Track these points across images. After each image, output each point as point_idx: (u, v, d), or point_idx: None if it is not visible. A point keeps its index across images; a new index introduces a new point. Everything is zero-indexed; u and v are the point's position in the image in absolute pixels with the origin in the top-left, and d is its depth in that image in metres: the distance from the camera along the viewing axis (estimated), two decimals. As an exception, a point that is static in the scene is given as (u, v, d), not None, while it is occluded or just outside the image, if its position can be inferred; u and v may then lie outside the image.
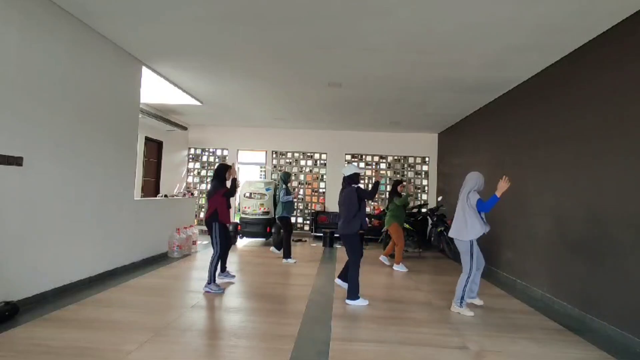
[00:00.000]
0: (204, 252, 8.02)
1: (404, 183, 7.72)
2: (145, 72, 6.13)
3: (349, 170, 4.88)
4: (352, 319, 4.09)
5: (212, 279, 4.86)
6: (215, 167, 5.38)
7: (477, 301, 4.70)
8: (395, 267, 6.74)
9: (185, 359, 3.02)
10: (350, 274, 4.64)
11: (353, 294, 4.57)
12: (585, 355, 3.38)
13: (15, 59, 3.77)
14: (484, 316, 4.31)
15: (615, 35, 4.08)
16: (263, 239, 9.47)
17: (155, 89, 7.24)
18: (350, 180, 4.84)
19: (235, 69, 6.15)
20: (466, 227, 4.33)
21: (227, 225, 5.23)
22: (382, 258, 7.23)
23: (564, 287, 4.68)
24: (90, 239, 4.99)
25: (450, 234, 4.51)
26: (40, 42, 4.07)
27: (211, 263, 4.91)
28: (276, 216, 7.41)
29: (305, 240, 10.14)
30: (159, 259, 6.73)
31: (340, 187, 4.98)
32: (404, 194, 7.32)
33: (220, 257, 5.06)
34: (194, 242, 7.81)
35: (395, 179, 7.59)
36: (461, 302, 4.32)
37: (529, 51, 4.84)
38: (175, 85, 7.03)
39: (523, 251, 5.75)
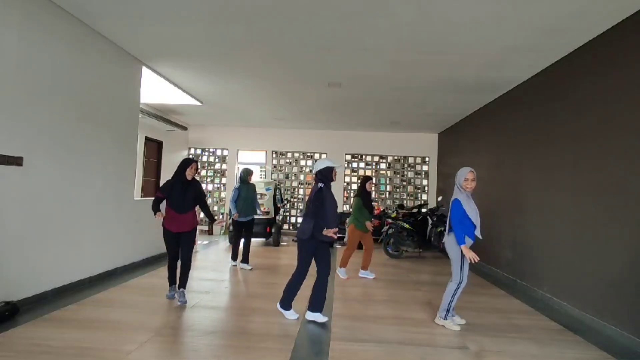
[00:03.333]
0: (204, 252, 8.02)
1: (373, 181, 6.72)
2: (145, 72, 6.13)
3: (321, 164, 4.14)
4: (352, 319, 4.09)
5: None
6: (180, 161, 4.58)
7: (458, 319, 4.03)
8: (338, 271, 6.03)
9: (185, 359, 3.02)
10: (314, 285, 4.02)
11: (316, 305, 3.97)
12: (585, 355, 3.38)
13: (15, 59, 3.77)
14: (484, 316, 4.30)
15: (615, 35, 4.08)
16: (263, 239, 9.46)
17: (155, 89, 7.23)
18: (322, 176, 4.09)
19: (235, 69, 6.15)
20: (452, 230, 3.84)
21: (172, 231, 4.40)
22: (362, 273, 6.14)
23: (564, 286, 4.68)
24: (90, 239, 4.99)
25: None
26: (40, 42, 4.07)
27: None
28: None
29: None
30: (159, 259, 6.72)
31: (322, 188, 4.10)
32: (372, 192, 6.48)
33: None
34: (194, 242, 7.79)
35: (364, 175, 6.62)
36: (446, 315, 3.88)
37: (528, 51, 4.84)
38: (175, 85, 7.03)
39: (523, 251, 5.75)
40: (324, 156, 11.30)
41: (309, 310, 4.00)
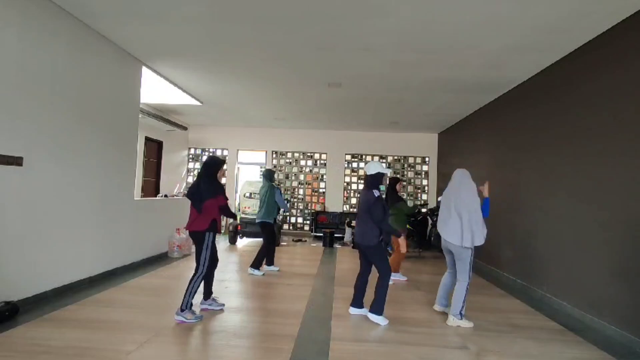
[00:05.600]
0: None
1: (403, 182, 6.93)
2: (145, 72, 6.13)
3: (373, 168, 4.11)
4: (352, 319, 4.09)
5: (188, 305, 3.78)
6: (206, 160, 4.11)
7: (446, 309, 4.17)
8: (393, 276, 5.61)
9: (185, 359, 3.02)
10: (377, 288, 4.06)
11: (380, 307, 4.01)
12: (585, 355, 3.38)
13: (15, 59, 3.77)
14: (484, 316, 4.30)
15: (615, 35, 4.08)
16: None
17: (155, 89, 7.24)
18: (374, 180, 4.08)
19: (235, 69, 6.15)
20: (471, 231, 3.88)
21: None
22: (395, 275, 5.87)
23: (564, 286, 4.68)
24: (90, 239, 4.99)
25: (448, 237, 4.00)
26: (40, 42, 4.07)
27: (193, 282, 3.84)
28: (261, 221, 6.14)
29: (305, 240, 10.13)
30: (159, 259, 6.72)
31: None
32: (403, 194, 6.66)
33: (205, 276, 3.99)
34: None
35: (393, 176, 6.58)
36: (461, 315, 3.92)
37: (529, 51, 4.84)
38: (175, 85, 7.03)
39: (523, 251, 5.75)
40: (324, 156, 11.31)
41: (370, 312, 4.01)
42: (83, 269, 4.88)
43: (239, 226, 9.10)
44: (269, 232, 6.13)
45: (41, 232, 4.17)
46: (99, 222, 5.15)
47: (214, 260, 4.09)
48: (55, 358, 2.89)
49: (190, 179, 11.41)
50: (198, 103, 8.28)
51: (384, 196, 4.23)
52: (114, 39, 5.14)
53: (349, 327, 3.82)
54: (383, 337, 3.60)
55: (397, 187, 6.14)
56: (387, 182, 3.99)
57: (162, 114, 9.32)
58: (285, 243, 9.51)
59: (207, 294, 4.22)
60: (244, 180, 10.48)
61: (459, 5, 3.84)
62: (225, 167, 4.07)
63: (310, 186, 11.33)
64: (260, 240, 9.51)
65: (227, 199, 4.06)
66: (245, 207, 9.28)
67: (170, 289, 4.97)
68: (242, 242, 9.46)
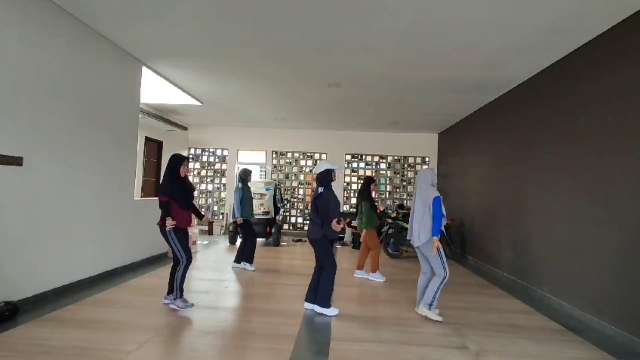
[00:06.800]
0: (204, 252, 8.02)
1: (376, 182, 6.93)
2: (145, 72, 6.13)
3: (321, 166, 4.32)
4: (352, 319, 4.09)
5: (179, 293, 4.12)
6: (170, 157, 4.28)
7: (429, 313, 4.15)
8: (372, 277, 5.96)
9: (185, 359, 3.02)
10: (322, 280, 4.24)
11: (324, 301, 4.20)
12: (584, 355, 3.38)
13: (15, 59, 3.77)
14: (484, 316, 4.30)
15: (615, 35, 4.08)
16: (263, 239, 9.46)
17: (155, 89, 7.24)
18: (322, 178, 4.27)
19: (235, 69, 6.15)
20: (419, 229, 4.08)
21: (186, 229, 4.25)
22: (358, 273, 6.17)
23: (564, 286, 4.68)
24: (90, 239, 4.99)
25: (415, 242, 4.13)
26: (40, 42, 4.07)
27: (177, 272, 4.12)
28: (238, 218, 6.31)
29: (305, 240, 10.13)
30: (159, 259, 6.72)
31: (321, 188, 4.29)
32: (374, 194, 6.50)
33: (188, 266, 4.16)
34: (194, 242, 7.81)
35: (367, 176, 6.51)
36: (430, 306, 4.07)
37: (529, 51, 4.84)
38: (175, 85, 7.03)
39: (522, 251, 5.75)
40: (324, 156, 11.31)
41: (308, 302, 4.24)
42: (83, 269, 4.88)
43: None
44: (244, 230, 6.39)
45: (41, 232, 4.17)
46: (99, 222, 5.15)
47: (187, 253, 4.15)
48: (55, 358, 2.89)
49: (190, 179, 11.41)
50: (198, 103, 8.28)
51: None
52: (114, 39, 5.14)
53: (349, 327, 3.82)
54: (383, 337, 3.59)
55: (372, 187, 6.19)
56: (334, 178, 4.28)
57: (162, 114, 9.32)
58: (285, 243, 9.51)
59: (172, 289, 4.20)
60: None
61: (459, 5, 3.84)
62: (188, 163, 4.31)
63: (310, 186, 11.33)
64: (260, 240, 9.54)
65: (192, 197, 4.30)
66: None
67: (170, 289, 4.97)
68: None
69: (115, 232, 5.53)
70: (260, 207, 9.09)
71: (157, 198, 4.15)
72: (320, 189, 4.24)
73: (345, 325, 3.87)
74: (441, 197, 4.09)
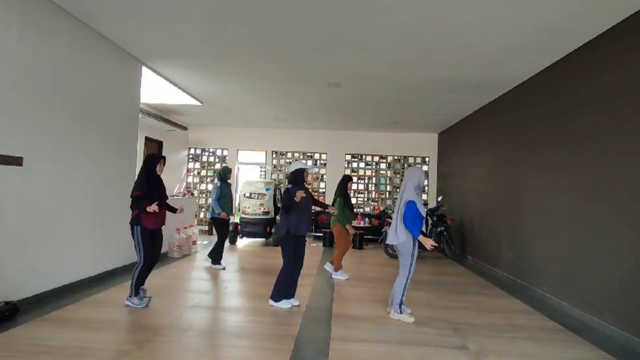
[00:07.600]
0: (204, 252, 8.01)
1: (354, 180, 6.87)
2: (145, 72, 6.13)
3: (294, 166, 4.48)
4: (352, 319, 4.09)
5: (135, 291, 4.13)
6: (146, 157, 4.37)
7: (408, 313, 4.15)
8: (335, 275, 5.92)
9: (185, 359, 3.02)
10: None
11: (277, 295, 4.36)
12: (585, 355, 3.38)
13: (15, 59, 3.77)
14: (484, 316, 4.30)
15: (615, 35, 4.08)
16: (263, 239, 9.47)
17: (155, 89, 7.24)
18: (294, 177, 4.39)
19: (235, 69, 6.15)
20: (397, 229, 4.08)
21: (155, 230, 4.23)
22: (328, 266, 6.21)
23: (564, 286, 4.68)
24: (90, 239, 4.99)
25: (392, 239, 4.12)
26: (40, 42, 4.07)
27: (133, 272, 4.15)
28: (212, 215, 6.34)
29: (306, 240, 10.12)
30: (159, 259, 6.70)
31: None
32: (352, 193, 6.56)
33: (145, 268, 4.16)
34: (194, 242, 7.81)
35: (345, 174, 6.54)
36: (400, 308, 4.06)
37: (529, 51, 4.84)
38: (175, 85, 7.03)
39: (522, 251, 5.75)
40: (324, 156, 11.32)
41: (270, 298, 4.38)
42: (83, 269, 4.87)
43: (239, 226, 9.11)
44: (217, 227, 6.33)
45: (41, 232, 4.17)
46: (99, 222, 5.15)
47: (147, 255, 4.13)
48: (55, 358, 2.89)
49: (190, 179, 11.42)
50: (198, 103, 8.28)
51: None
52: (114, 39, 5.14)
53: (349, 327, 3.81)
54: (383, 337, 3.59)
55: (349, 184, 6.17)
56: (307, 178, 4.41)
57: (162, 114, 9.32)
58: (285, 243, 9.49)
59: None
60: (244, 180, 10.48)
61: (459, 5, 3.84)
62: (165, 162, 4.32)
63: (310, 186, 11.32)
64: (260, 240, 9.55)
65: (165, 196, 4.30)
66: (245, 207, 9.28)
67: (170, 289, 4.97)
68: (242, 242, 9.46)
69: (115, 232, 5.52)
70: (260, 207, 9.10)
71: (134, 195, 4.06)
72: (289, 185, 4.34)
73: (345, 325, 3.87)
74: (416, 202, 4.02)
